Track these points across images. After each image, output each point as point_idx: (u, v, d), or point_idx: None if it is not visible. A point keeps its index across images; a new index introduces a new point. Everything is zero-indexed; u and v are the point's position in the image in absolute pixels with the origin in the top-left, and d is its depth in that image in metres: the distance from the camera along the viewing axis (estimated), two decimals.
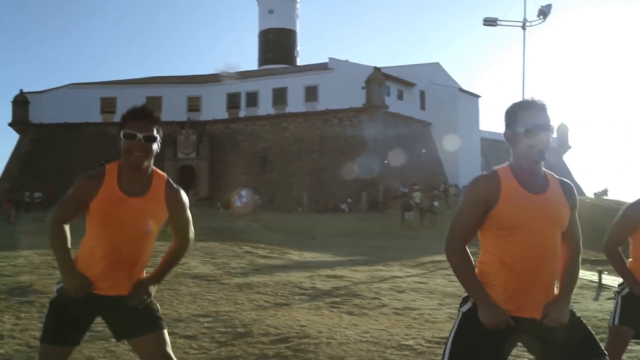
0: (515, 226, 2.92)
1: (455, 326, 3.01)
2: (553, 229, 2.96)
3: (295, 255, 17.49)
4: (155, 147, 3.26)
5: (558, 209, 2.98)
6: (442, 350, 3.02)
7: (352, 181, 49.16)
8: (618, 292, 4.31)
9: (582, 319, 3.07)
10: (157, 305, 3.44)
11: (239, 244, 18.33)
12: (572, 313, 3.03)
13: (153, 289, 3.37)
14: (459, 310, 3.06)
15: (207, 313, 8.04)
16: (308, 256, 17.79)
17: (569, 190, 3.06)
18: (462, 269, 3.01)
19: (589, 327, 3.05)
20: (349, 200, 46.14)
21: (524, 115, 2.97)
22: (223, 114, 57.77)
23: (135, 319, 3.29)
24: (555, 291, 3.06)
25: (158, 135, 3.26)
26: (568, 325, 2.95)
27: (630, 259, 4.32)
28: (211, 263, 13.69)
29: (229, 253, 15.90)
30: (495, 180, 2.98)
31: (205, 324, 7.34)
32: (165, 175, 3.38)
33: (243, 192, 43.65)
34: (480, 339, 2.89)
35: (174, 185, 3.39)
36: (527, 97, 3.07)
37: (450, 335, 3.01)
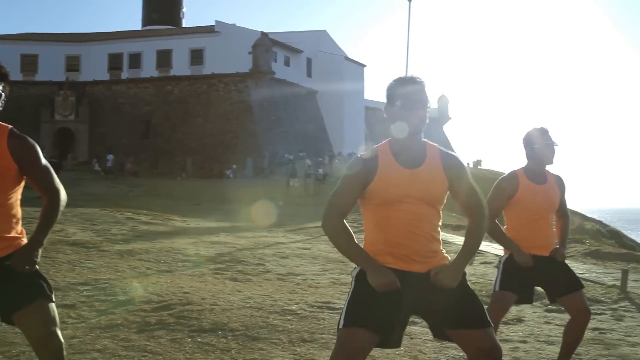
0: (389, 201, 3.01)
1: (350, 291, 3.06)
2: (425, 204, 3.04)
3: (178, 222, 17.28)
4: None
5: (431, 183, 3.05)
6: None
7: (237, 147, 48.87)
8: (500, 260, 4.57)
9: (472, 289, 3.14)
10: (42, 276, 3.22)
11: (120, 210, 17.86)
12: (465, 282, 3.09)
13: (36, 254, 3.16)
14: (351, 276, 3.12)
15: (86, 281, 7.83)
16: (192, 222, 17.64)
17: (451, 162, 3.10)
18: (341, 239, 3.07)
19: (478, 298, 3.12)
20: (234, 166, 45.87)
21: (401, 90, 3.05)
22: (104, 75, 55.57)
23: (14, 288, 3.08)
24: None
25: (3, 94, 3.09)
26: (458, 293, 3.02)
27: (505, 227, 4.56)
28: (91, 230, 13.28)
29: (109, 219, 15.46)
30: (374, 159, 3.06)
31: (85, 293, 7.16)
32: (9, 126, 3.15)
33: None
34: (375, 299, 2.93)
35: (19, 133, 3.16)
36: (407, 74, 3.15)
37: (347, 299, 3.05)
